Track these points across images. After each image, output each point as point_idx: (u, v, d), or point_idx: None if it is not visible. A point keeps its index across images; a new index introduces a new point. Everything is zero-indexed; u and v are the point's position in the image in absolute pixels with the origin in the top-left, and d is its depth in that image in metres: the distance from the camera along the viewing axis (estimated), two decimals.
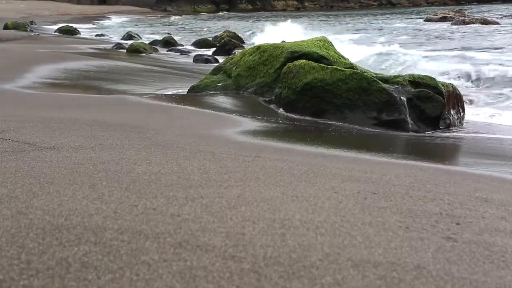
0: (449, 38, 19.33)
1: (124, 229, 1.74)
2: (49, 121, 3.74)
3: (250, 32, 22.97)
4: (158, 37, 21.15)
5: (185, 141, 3.39)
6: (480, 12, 37.52)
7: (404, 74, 6.60)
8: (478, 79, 9.42)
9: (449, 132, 5.56)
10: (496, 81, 9.10)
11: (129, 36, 20.15)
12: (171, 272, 1.47)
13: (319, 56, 6.27)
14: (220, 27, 29.87)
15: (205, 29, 30.55)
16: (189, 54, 14.85)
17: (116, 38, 20.66)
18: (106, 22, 38.48)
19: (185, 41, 20.01)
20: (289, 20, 27.50)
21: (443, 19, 28.78)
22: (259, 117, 5.30)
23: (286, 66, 6.15)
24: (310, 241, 1.74)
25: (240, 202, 2.10)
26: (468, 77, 9.61)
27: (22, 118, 3.77)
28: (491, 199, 2.50)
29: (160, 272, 1.46)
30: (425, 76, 5.99)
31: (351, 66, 6.25)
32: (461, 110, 6.10)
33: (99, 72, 8.69)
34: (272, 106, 6.10)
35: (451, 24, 25.97)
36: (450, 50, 14.68)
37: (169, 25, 35.26)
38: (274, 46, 6.75)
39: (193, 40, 19.49)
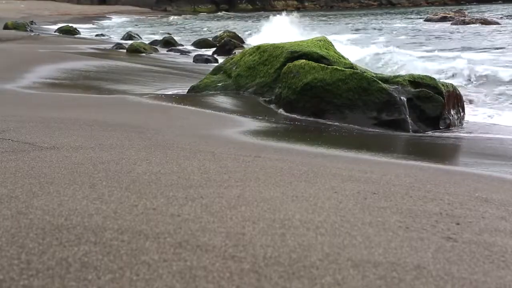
0: (449, 38, 19.33)
1: (124, 229, 1.74)
2: (49, 121, 3.74)
3: (248, 32, 22.95)
4: (158, 37, 21.15)
5: (185, 141, 3.39)
6: (480, 12, 37.53)
7: (398, 74, 6.60)
8: (477, 79, 9.42)
9: (449, 132, 5.56)
10: (496, 81, 9.10)
11: (129, 36, 20.14)
12: (171, 272, 1.47)
13: (319, 56, 6.28)
14: (220, 27, 29.87)
15: (205, 29, 30.55)
16: (189, 54, 14.85)
17: (116, 38, 20.65)
18: (106, 22, 38.47)
19: (185, 41, 20.01)
20: (295, 13, 27.38)
21: (443, 19, 28.79)
22: (259, 117, 5.30)
23: (286, 66, 6.15)
24: (310, 241, 1.74)
25: (240, 202, 2.10)
26: (468, 77, 9.61)
27: (22, 118, 3.77)
28: (491, 199, 2.50)
29: (160, 272, 1.46)
30: (425, 76, 6.00)
31: (351, 66, 6.25)
32: (461, 110, 6.10)
33: (99, 72, 8.69)
34: (272, 106, 6.10)
35: (451, 24, 25.98)
36: (450, 50, 14.68)
37: (169, 25, 35.26)
38: (274, 46, 6.75)
39: (193, 40, 19.49)
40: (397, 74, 7.11)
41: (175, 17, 47.06)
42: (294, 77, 5.92)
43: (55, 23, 30.90)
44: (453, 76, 9.69)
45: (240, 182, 2.40)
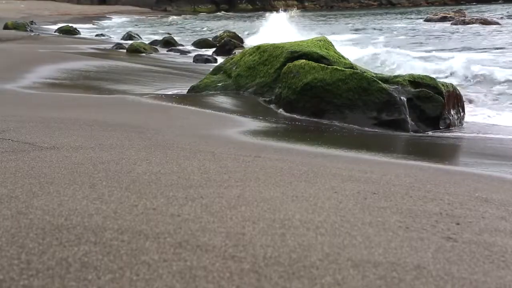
0: (449, 38, 19.33)
1: (124, 229, 1.74)
2: (49, 121, 3.74)
3: (247, 32, 22.92)
4: (158, 37, 21.14)
5: (185, 141, 3.39)
6: (480, 12, 37.52)
7: (397, 74, 6.60)
8: (476, 79, 9.42)
9: (449, 132, 5.56)
10: (496, 81, 9.10)
11: (129, 36, 20.13)
12: (171, 272, 1.47)
13: (319, 56, 6.28)
14: (220, 27, 29.87)
15: (205, 29, 30.55)
16: (189, 54, 14.85)
17: (116, 38, 20.64)
18: (106, 22, 38.46)
19: (185, 41, 20.00)
20: (295, 9, 27.15)
21: (443, 19, 28.79)
22: (259, 117, 5.30)
23: (286, 66, 6.15)
24: (310, 241, 1.74)
25: (240, 202, 2.10)
26: (465, 77, 9.61)
27: (22, 118, 3.77)
28: (491, 199, 2.50)
29: (160, 272, 1.46)
30: (425, 76, 6.00)
31: (351, 66, 6.25)
32: (461, 110, 6.10)
33: (99, 72, 8.69)
34: (272, 106, 6.10)
35: (451, 24, 25.98)
36: (449, 50, 14.68)
37: (169, 25, 35.25)
38: (274, 46, 6.75)
39: (193, 40, 19.48)
40: (394, 74, 7.10)
41: (175, 17, 47.04)
42: (294, 77, 5.92)
43: (55, 23, 30.89)
44: (450, 75, 9.69)
45: (240, 182, 2.40)
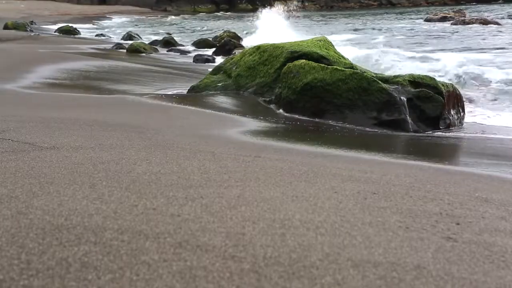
0: (449, 38, 19.33)
1: (124, 229, 1.74)
2: (49, 121, 3.74)
3: (245, 32, 22.89)
4: (158, 37, 21.14)
5: (185, 141, 3.39)
6: (480, 12, 37.53)
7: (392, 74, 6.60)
8: (475, 79, 9.42)
9: (449, 132, 5.56)
10: (496, 81, 9.10)
11: (129, 36, 20.13)
12: (171, 272, 1.47)
13: (319, 56, 6.28)
14: (220, 27, 29.87)
15: (205, 28, 30.55)
16: (189, 54, 14.86)
17: (116, 38, 20.64)
18: (106, 22, 38.44)
19: (185, 41, 20.00)
20: (294, 2, 26.22)
21: (443, 19, 28.79)
22: (259, 117, 5.30)
23: (286, 66, 6.15)
24: (310, 241, 1.74)
25: (240, 202, 2.10)
26: (467, 77, 9.61)
27: (22, 118, 3.77)
28: (491, 199, 2.50)
29: (160, 272, 1.46)
30: (425, 76, 6.00)
31: (351, 66, 6.26)
32: (461, 110, 6.10)
33: (99, 72, 8.69)
34: (272, 106, 6.10)
35: (451, 24, 25.98)
36: (449, 50, 14.67)
37: (169, 25, 35.24)
38: (274, 46, 6.75)
39: (193, 40, 19.48)
40: (385, 74, 7.10)
41: (173, 17, 47.02)
42: (294, 77, 5.92)
43: (55, 23, 30.88)
44: (444, 75, 9.69)
45: (240, 182, 2.40)
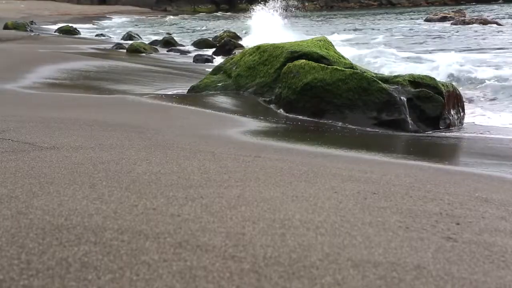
0: (449, 38, 19.32)
1: (124, 229, 1.74)
2: (49, 121, 3.74)
3: (244, 32, 22.87)
4: (158, 37, 21.13)
5: (185, 141, 3.39)
6: (480, 12, 37.53)
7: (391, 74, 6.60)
8: (477, 79, 9.42)
9: (449, 132, 5.56)
10: (495, 81, 9.10)
11: (129, 36, 20.11)
12: (171, 272, 1.47)
13: (319, 56, 6.28)
14: (220, 27, 29.86)
15: (205, 29, 30.55)
16: (189, 54, 14.85)
17: (116, 38, 20.62)
18: (106, 22, 38.43)
19: (185, 41, 20.00)
20: None
21: (443, 19, 28.78)
22: (259, 117, 5.30)
23: (286, 66, 6.15)
24: (310, 241, 1.74)
25: (240, 202, 2.10)
26: (467, 77, 9.61)
27: (22, 118, 3.77)
28: (491, 199, 2.50)
29: (160, 272, 1.46)
30: (425, 76, 6.00)
31: (351, 66, 6.26)
32: (461, 110, 6.10)
33: (99, 72, 8.69)
34: (272, 106, 6.10)
35: (451, 24, 25.97)
36: (449, 50, 14.67)
37: (169, 25, 35.23)
38: (274, 46, 6.75)
39: (193, 40, 19.48)
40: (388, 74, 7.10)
41: (172, 17, 46.99)
42: (294, 77, 5.92)
43: (55, 23, 30.87)
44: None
45: (240, 182, 2.40)
